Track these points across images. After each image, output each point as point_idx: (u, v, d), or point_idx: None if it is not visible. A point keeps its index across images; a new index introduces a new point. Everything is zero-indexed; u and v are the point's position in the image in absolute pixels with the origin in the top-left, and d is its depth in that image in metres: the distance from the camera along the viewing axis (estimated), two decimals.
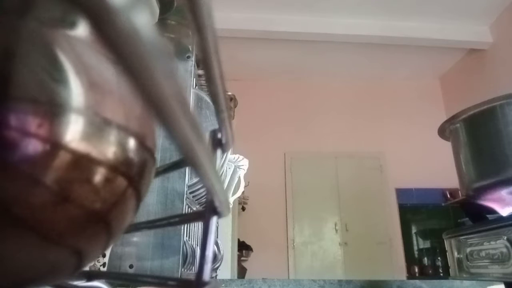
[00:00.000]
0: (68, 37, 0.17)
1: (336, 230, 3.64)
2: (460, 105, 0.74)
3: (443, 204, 3.35)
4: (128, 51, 0.08)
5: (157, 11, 0.64)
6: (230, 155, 0.83)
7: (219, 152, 0.22)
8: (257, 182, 2.90)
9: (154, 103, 0.09)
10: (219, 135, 0.22)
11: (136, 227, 0.27)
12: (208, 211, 0.20)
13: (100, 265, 0.60)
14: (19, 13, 0.15)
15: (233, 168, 0.86)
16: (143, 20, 0.08)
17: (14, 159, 0.13)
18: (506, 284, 0.60)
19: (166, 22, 0.78)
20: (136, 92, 0.09)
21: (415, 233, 3.65)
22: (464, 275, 0.67)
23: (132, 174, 0.18)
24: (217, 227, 0.88)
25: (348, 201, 3.69)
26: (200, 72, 0.84)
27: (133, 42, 0.08)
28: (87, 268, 0.27)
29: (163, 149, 0.67)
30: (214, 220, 0.20)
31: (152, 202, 0.66)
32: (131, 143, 0.18)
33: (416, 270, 3.43)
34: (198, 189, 0.71)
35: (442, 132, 0.77)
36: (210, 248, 0.19)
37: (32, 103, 0.14)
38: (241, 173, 0.87)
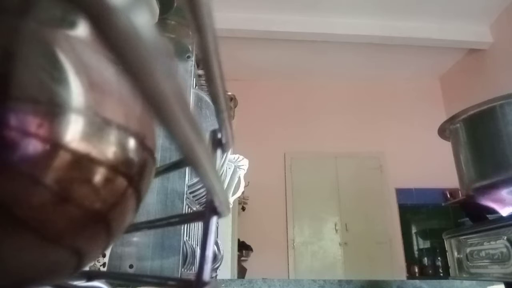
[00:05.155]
0: (68, 37, 0.17)
1: (336, 230, 3.64)
2: (460, 105, 0.74)
3: (443, 204, 3.35)
4: (128, 51, 0.08)
5: (157, 11, 0.64)
6: (230, 155, 0.83)
7: (219, 152, 0.22)
8: (257, 182, 2.90)
9: (154, 103, 0.09)
10: (219, 135, 0.22)
11: (136, 227, 0.27)
12: (208, 211, 0.20)
13: (100, 265, 0.60)
14: (19, 13, 0.15)
15: (233, 168, 0.86)
16: (143, 20, 0.08)
17: (14, 159, 0.13)
18: (506, 284, 0.60)
19: (166, 22, 0.78)
20: (136, 92, 0.09)
21: (415, 233, 3.65)
22: (464, 275, 0.67)
23: (132, 174, 0.18)
24: (217, 227, 0.88)
25: (348, 201, 3.69)
26: (200, 72, 0.84)
27: (133, 42, 0.08)
28: (87, 268, 0.27)
29: (163, 149, 0.67)
30: (214, 220, 0.20)
31: (152, 202, 0.66)
32: (131, 143, 0.18)
33: (416, 270, 3.43)
34: (198, 189, 0.71)
35: (442, 132, 0.77)
36: (210, 248, 0.19)
37: (32, 103, 0.14)
38: (241, 173, 0.87)
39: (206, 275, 0.18)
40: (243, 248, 3.24)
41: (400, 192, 3.72)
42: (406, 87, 4.07)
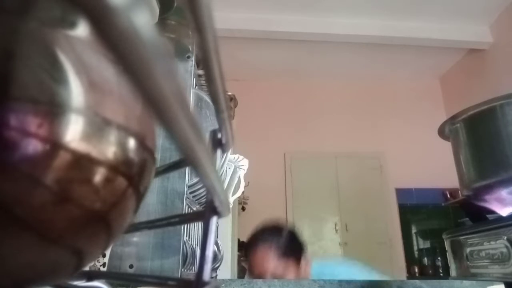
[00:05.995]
0: (68, 37, 0.17)
1: (336, 230, 3.64)
2: (460, 105, 0.74)
3: (443, 204, 3.35)
4: (128, 51, 0.08)
5: (157, 11, 0.64)
6: (230, 155, 0.83)
7: (219, 152, 0.22)
8: (257, 182, 2.90)
9: (154, 103, 0.09)
10: (219, 135, 0.22)
11: (136, 227, 0.27)
12: (208, 211, 0.20)
13: (100, 265, 0.60)
14: (19, 13, 0.15)
15: (233, 168, 0.86)
16: (143, 20, 0.08)
17: (14, 159, 0.13)
18: (506, 284, 0.60)
19: (166, 22, 0.78)
20: (136, 92, 0.09)
21: (415, 233, 3.65)
22: (464, 275, 0.67)
23: (132, 174, 0.18)
24: (217, 227, 0.88)
25: (348, 201, 3.69)
26: (200, 72, 0.84)
27: (133, 42, 0.08)
28: (87, 268, 0.27)
29: (163, 149, 0.67)
30: (214, 220, 0.20)
31: (152, 202, 0.66)
32: (131, 143, 0.18)
33: (416, 270, 3.43)
34: (198, 189, 0.71)
35: (442, 132, 0.77)
36: (210, 248, 0.19)
37: (32, 103, 0.14)
38: (241, 173, 0.87)
39: (206, 275, 0.18)
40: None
41: (400, 192, 3.71)
42: (406, 87, 4.07)
